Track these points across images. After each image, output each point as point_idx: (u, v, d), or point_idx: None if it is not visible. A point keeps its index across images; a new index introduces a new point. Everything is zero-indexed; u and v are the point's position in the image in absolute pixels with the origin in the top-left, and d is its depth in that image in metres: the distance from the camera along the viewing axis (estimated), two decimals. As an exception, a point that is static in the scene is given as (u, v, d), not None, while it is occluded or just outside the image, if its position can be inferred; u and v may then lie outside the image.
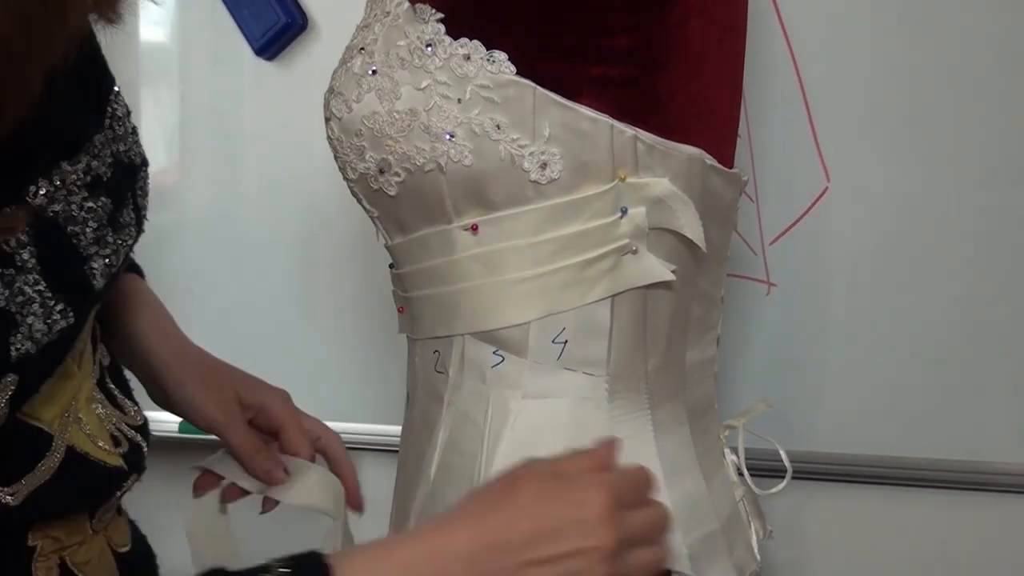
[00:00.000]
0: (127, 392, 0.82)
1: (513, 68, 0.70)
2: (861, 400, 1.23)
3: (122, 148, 0.72)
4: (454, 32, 0.71)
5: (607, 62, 0.71)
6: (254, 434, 0.90)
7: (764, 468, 1.25)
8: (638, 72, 0.71)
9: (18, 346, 0.61)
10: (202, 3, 1.34)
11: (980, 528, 1.23)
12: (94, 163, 0.68)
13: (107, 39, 1.40)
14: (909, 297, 1.20)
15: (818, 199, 1.20)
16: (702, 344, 0.80)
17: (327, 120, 0.78)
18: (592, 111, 0.71)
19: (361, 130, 0.74)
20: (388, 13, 0.74)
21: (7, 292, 0.61)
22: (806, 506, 1.28)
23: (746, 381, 1.25)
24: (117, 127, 0.71)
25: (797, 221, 1.21)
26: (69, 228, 0.65)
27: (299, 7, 1.31)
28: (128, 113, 0.74)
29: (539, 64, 0.70)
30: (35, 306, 0.62)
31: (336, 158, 0.79)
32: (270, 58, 1.34)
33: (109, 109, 0.71)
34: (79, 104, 0.69)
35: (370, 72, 0.73)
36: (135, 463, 0.78)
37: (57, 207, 0.64)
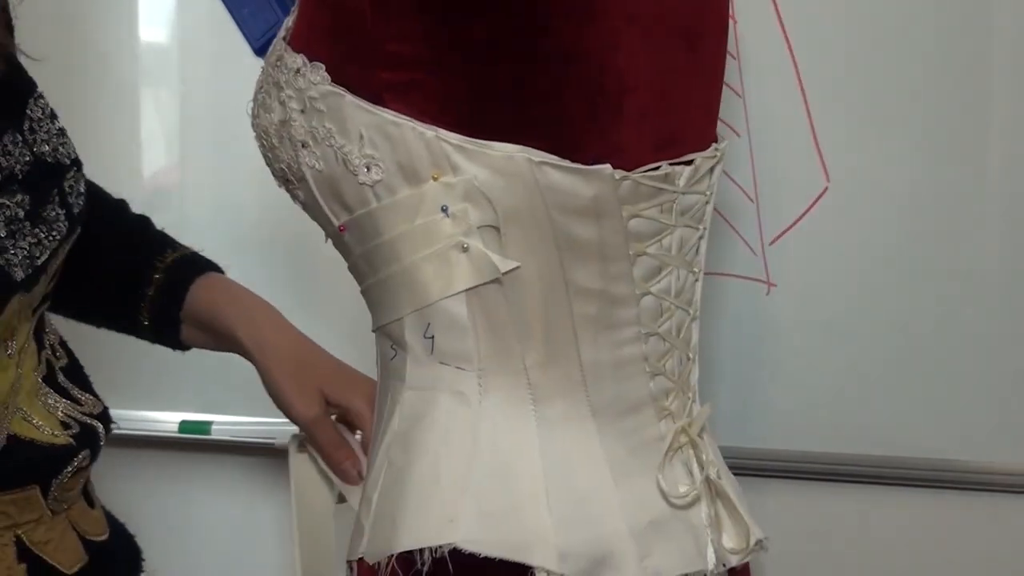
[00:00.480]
0: (86, 387, 0.85)
1: (328, 77, 0.74)
2: (861, 400, 1.23)
3: (46, 149, 0.74)
4: (294, 47, 0.77)
5: (392, 67, 0.73)
6: (337, 431, 0.92)
7: (758, 468, 1.26)
8: (422, 75, 0.73)
9: None
10: (202, 3, 1.34)
11: (980, 528, 1.23)
12: (4, 161, 0.70)
13: (107, 39, 1.40)
14: (909, 297, 1.20)
15: (817, 199, 1.21)
16: (606, 343, 0.79)
17: None
18: (394, 114, 0.73)
19: (262, 138, 0.80)
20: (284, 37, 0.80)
21: None
22: (805, 506, 1.28)
23: (746, 381, 1.25)
24: (38, 128, 0.74)
25: (797, 221, 1.21)
26: None
27: (299, 7, 1.31)
28: (53, 115, 0.77)
29: (347, 72, 0.74)
30: None
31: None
32: (270, 58, 1.34)
33: (28, 112, 0.74)
34: None
35: (260, 87, 0.80)
36: (86, 441, 0.80)
37: None
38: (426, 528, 0.75)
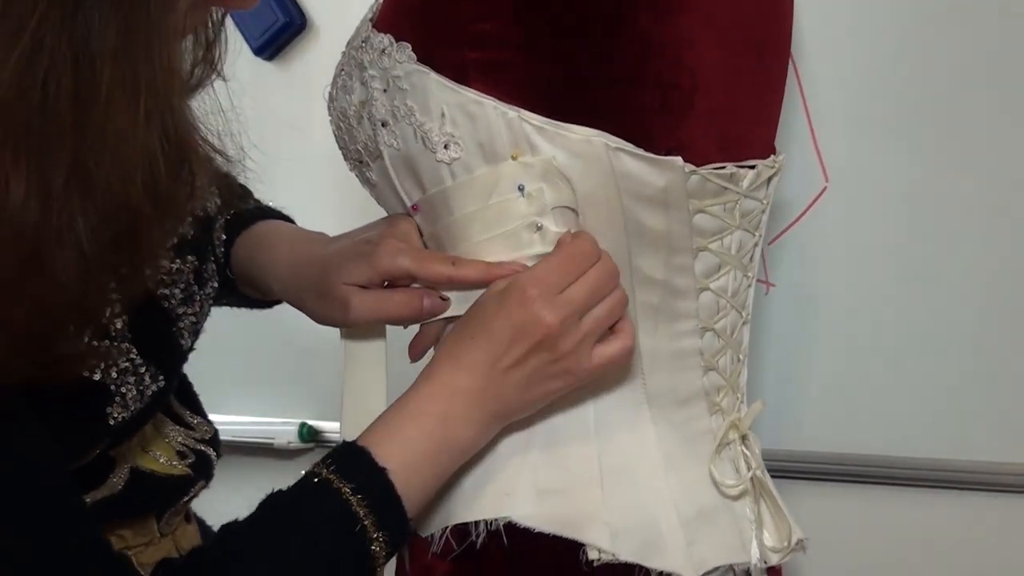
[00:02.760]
0: (196, 409, 0.85)
1: (414, 56, 0.75)
2: (861, 400, 1.23)
3: (205, 201, 0.75)
4: (380, 28, 0.78)
5: (479, 46, 0.74)
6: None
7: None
8: (507, 54, 0.74)
9: (115, 416, 0.64)
10: (201, 3, 1.34)
11: (979, 528, 1.23)
12: (180, 226, 0.71)
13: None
14: (909, 297, 1.20)
15: (817, 199, 1.21)
16: (666, 333, 0.81)
17: None
18: (477, 94, 0.74)
19: (340, 124, 0.81)
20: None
21: (102, 364, 0.63)
22: (804, 506, 1.28)
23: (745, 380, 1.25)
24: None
25: (796, 221, 1.21)
26: (159, 291, 0.68)
27: (297, 7, 1.31)
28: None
29: (433, 52, 0.75)
30: (129, 376, 0.65)
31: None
32: (269, 58, 1.34)
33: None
34: None
35: (341, 71, 0.81)
36: (202, 470, 0.81)
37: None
38: (482, 502, 0.77)
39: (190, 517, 0.87)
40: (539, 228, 0.76)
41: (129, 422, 0.65)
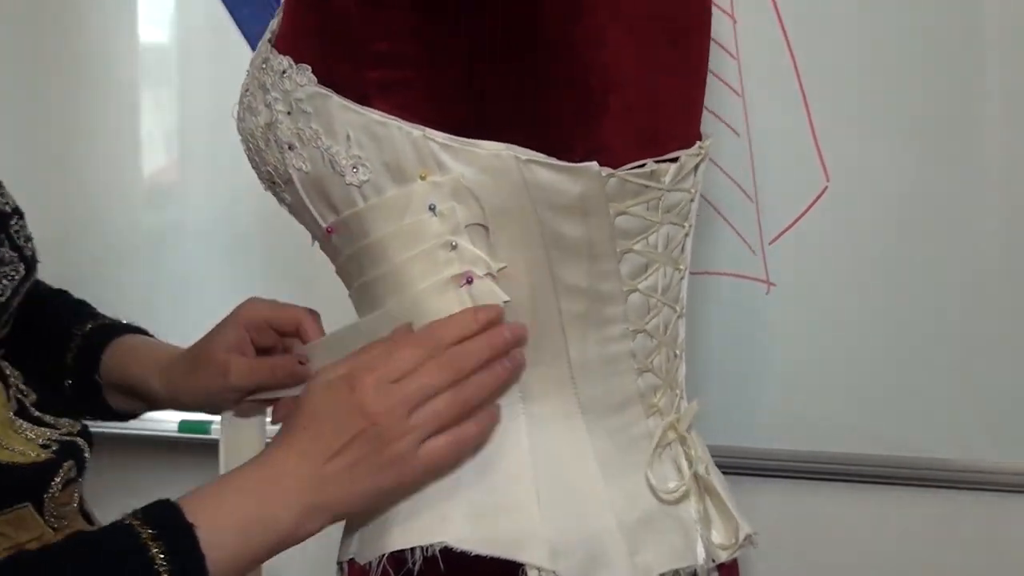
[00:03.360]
0: (59, 413, 0.87)
1: (315, 79, 0.74)
2: (860, 400, 1.23)
3: None
4: (279, 49, 0.77)
5: (380, 66, 0.73)
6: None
7: (759, 468, 1.26)
8: (409, 73, 0.73)
9: None
10: (202, 3, 1.35)
11: (979, 528, 1.23)
12: None
13: (107, 39, 1.40)
14: (908, 297, 1.20)
15: (817, 199, 1.21)
16: (595, 340, 0.79)
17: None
18: (381, 114, 0.73)
19: (248, 144, 0.81)
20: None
21: None
22: (803, 505, 1.28)
23: (745, 380, 1.25)
24: None
25: (796, 221, 1.21)
26: None
27: (299, 7, 1.31)
28: None
29: (333, 73, 0.74)
30: None
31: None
32: (270, 58, 1.34)
33: None
34: None
35: (246, 91, 0.80)
36: (69, 454, 0.82)
37: None
38: (417, 527, 0.75)
39: (93, 522, 0.87)
40: (454, 247, 0.75)
41: None
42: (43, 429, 0.82)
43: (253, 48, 1.34)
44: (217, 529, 0.68)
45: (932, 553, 1.25)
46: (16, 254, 0.78)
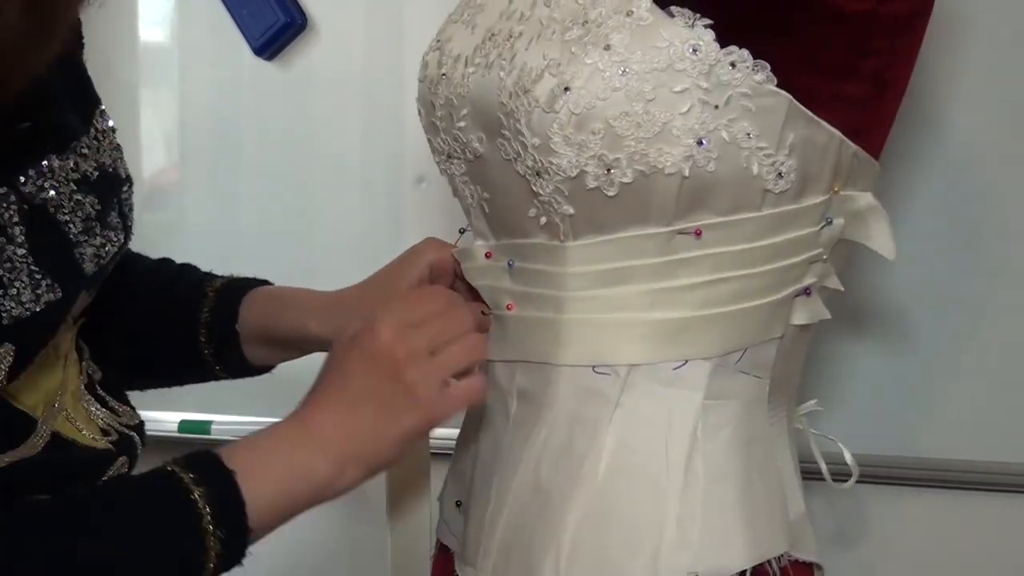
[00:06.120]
0: (122, 399, 0.86)
1: (775, 79, 0.72)
2: (860, 400, 1.23)
3: (107, 160, 0.77)
4: (719, 39, 0.72)
5: (856, 81, 0.75)
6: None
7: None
8: (875, 92, 0.76)
9: (8, 308, 0.65)
10: (202, 3, 1.35)
11: (979, 528, 1.23)
12: (81, 163, 0.73)
13: (107, 39, 1.39)
14: (908, 296, 1.20)
15: (817, 199, 1.20)
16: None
17: (540, 112, 0.74)
18: (828, 127, 0.74)
19: (600, 128, 0.72)
20: (631, 13, 0.73)
21: None
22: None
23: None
24: (101, 139, 0.77)
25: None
26: (59, 216, 0.70)
27: (298, 7, 1.31)
28: (114, 130, 0.79)
29: (795, 77, 0.73)
30: (23, 275, 0.66)
31: (528, 149, 0.76)
32: (269, 58, 1.34)
33: (95, 122, 0.77)
34: (68, 108, 0.74)
35: (620, 72, 0.71)
36: (124, 449, 0.81)
37: (46, 195, 0.69)
38: (770, 539, 0.78)
39: None
40: (824, 259, 0.82)
41: (25, 325, 0.66)
42: (106, 412, 0.82)
43: (253, 48, 1.35)
44: (256, 478, 0.69)
45: (932, 553, 1.24)
46: (121, 222, 0.77)
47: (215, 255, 1.40)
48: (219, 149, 1.38)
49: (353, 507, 1.28)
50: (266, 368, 0.95)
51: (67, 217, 0.71)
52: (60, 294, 0.69)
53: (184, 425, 1.38)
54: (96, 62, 1.38)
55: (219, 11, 1.33)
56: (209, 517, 0.66)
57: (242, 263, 1.35)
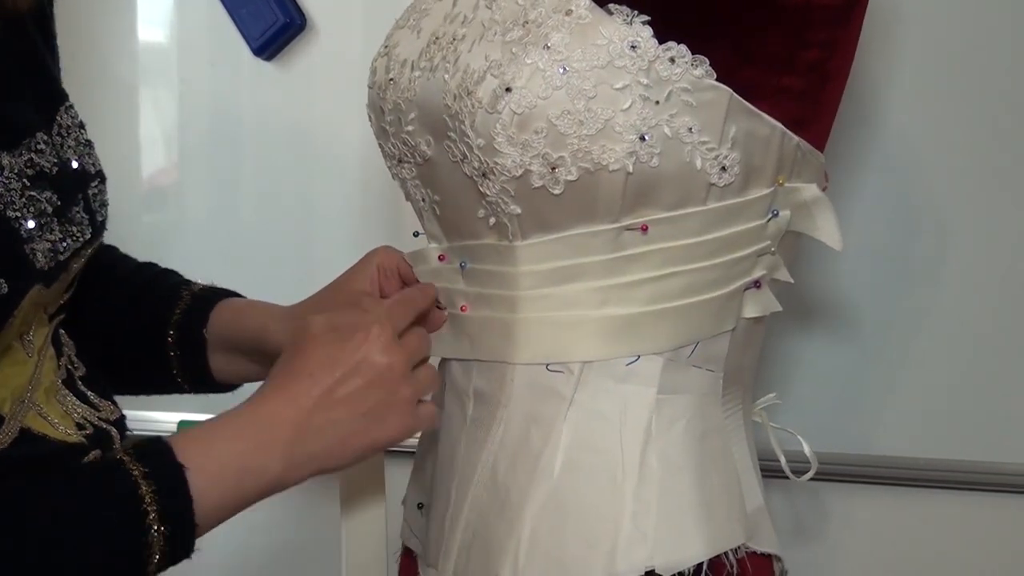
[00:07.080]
0: (104, 394, 0.85)
1: (714, 73, 0.72)
2: (860, 400, 1.23)
3: (71, 156, 0.77)
4: (657, 35, 0.72)
5: (796, 73, 0.76)
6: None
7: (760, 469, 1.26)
8: (816, 84, 0.77)
9: None
10: (201, 3, 1.34)
11: (980, 528, 1.23)
12: (37, 159, 0.73)
13: (106, 39, 1.40)
14: (908, 296, 1.20)
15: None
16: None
17: (483, 113, 0.74)
18: (770, 119, 0.75)
19: (543, 127, 0.72)
20: (569, 12, 0.73)
21: None
22: (802, 505, 1.28)
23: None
24: (65, 135, 0.77)
25: (796, 221, 1.21)
26: (9, 212, 0.70)
27: (297, 7, 1.31)
28: (82, 126, 0.80)
29: (735, 71, 0.73)
30: None
31: (473, 151, 0.76)
32: (268, 58, 1.34)
33: (58, 118, 0.77)
34: (20, 104, 0.74)
35: (560, 71, 0.72)
36: (99, 443, 0.81)
37: None
38: (727, 531, 0.79)
39: None
40: (772, 252, 0.82)
41: None
42: (84, 407, 0.82)
43: (252, 48, 1.35)
44: (208, 474, 0.68)
45: (932, 553, 1.25)
46: (88, 217, 0.77)
47: (214, 255, 1.40)
48: (218, 149, 1.38)
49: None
50: (229, 386, 0.95)
51: (17, 213, 0.70)
52: (5, 290, 0.69)
53: (184, 425, 1.38)
54: (95, 62, 1.39)
55: (218, 11, 1.33)
56: (155, 513, 0.65)
57: (241, 263, 1.36)
